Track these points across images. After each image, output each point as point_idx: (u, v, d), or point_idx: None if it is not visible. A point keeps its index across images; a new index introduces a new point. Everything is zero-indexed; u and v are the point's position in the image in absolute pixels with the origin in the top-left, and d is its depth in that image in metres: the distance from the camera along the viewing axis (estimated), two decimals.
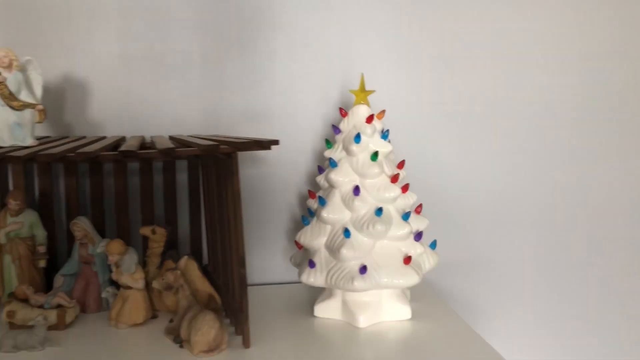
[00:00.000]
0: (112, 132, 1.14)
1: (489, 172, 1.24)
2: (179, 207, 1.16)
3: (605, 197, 1.29)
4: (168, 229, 1.08)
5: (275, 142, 0.84)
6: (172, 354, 0.87)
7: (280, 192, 1.19)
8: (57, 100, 1.11)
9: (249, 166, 1.17)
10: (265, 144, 0.83)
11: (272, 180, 1.19)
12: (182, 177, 1.16)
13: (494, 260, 1.27)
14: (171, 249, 1.11)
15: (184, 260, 0.97)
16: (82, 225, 1.03)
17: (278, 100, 1.17)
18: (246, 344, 0.89)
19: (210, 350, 0.87)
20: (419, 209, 1.03)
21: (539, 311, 1.30)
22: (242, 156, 1.16)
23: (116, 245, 0.97)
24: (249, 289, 1.15)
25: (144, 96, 1.14)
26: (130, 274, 0.98)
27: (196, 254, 1.16)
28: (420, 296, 1.10)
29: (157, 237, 1.07)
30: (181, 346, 0.89)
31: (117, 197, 1.12)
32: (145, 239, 1.07)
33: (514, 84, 1.23)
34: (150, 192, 1.13)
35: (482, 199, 1.25)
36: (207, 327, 0.87)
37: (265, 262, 1.21)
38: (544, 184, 1.27)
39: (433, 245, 1.03)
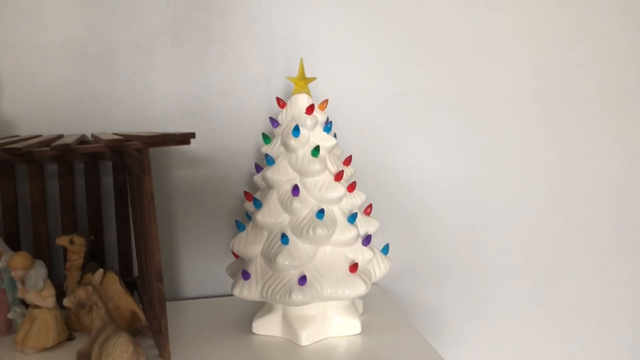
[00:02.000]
0: (26, 130, 1.01)
1: (448, 169, 1.14)
2: (106, 213, 1.04)
3: (578, 196, 1.19)
4: (89, 238, 0.96)
5: (192, 135, 0.73)
6: None
7: (220, 195, 1.07)
8: None
9: (184, 166, 1.06)
10: (179, 138, 0.72)
11: (210, 182, 1.07)
12: (108, 180, 1.04)
13: (456, 265, 1.17)
14: (94, 261, 0.99)
15: (99, 274, 0.84)
16: None
17: (215, 93, 1.05)
18: None
19: None
20: (368, 210, 0.92)
21: (504, 322, 1.20)
22: (176, 155, 1.05)
23: (20, 259, 0.84)
24: (184, 303, 1.05)
25: (62, 90, 1.01)
26: (37, 291, 0.85)
27: (125, 266, 1.04)
28: (375, 307, 0.99)
29: (76, 247, 0.94)
30: None
31: (33, 204, 0.99)
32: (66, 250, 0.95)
33: (479, 74, 1.12)
34: (72, 197, 1.01)
35: (442, 197, 1.14)
36: (119, 351, 0.75)
37: (204, 273, 1.09)
38: (510, 181, 1.16)
39: (385, 250, 0.92)
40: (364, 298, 0.98)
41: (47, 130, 1.01)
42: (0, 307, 0.92)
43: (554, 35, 1.14)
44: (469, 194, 1.15)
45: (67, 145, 0.69)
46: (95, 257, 1.02)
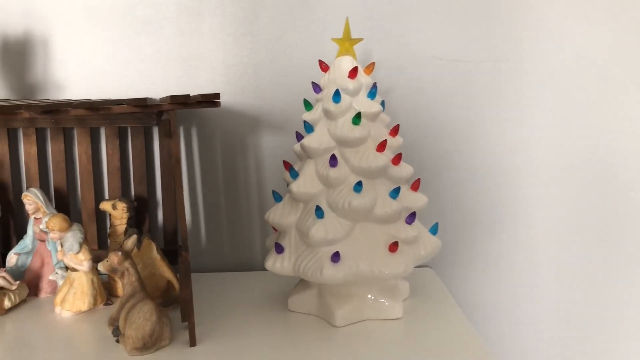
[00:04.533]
0: (77, 94, 1.01)
1: (514, 145, 1.02)
2: (153, 179, 1.03)
3: None
4: (132, 204, 0.95)
5: (216, 96, 0.68)
6: (103, 352, 0.74)
7: (268, 166, 1.03)
8: (17, 58, 0.99)
9: (230, 135, 1.02)
10: (200, 99, 0.68)
11: (258, 153, 1.03)
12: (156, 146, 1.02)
13: (517, 248, 1.06)
14: (138, 227, 0.99)
15: (132, 240, 0.82)
16: (33, 198, 0.91)
17: (264, 58, 1.00)
18: (191, 341, 0.74)
19: (146, 347, 0.72)
20: (415, 185, 0.84)
21: (569, 315, 1.08)
22: (221, 124, 1.02)
23: (57, 221, 0.85)
24: (224, 275, 1.02)
25: (111, 54, 1.00)
26: (74, 254, 0.85)
27: (171, 234, 1.02)
28: (424, 291, 0.92)
29: (118, 213, 0.94)
30: (117, 340, 0.76)
31: (81, 167, 1.00)
32: None
33: (544, 38, 0.99)
34: (117, 161, 1.00)
35: (505, 176, 1.03)
36: (142, 320, 0.73)
37: (249, 245, 1.05)
38: (580, 155, 1.03)
39: (434, 229, 0.84)
40: (412, 281, 0.91)
41: (96, 94, 1.01)
42: (46, 268, 0.93)
43: None
44: (542, 174, 1.03)
45: (90, 103, 0.67)
46: (141, 224, 1.01)
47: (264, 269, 0.81)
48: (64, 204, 1.00)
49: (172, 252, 0.99)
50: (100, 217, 1.01)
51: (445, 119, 1.01)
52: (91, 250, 0.87)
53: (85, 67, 1.00)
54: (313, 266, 0.75)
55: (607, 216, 1.05)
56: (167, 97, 0.69)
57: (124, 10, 0.99)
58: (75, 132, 0.99)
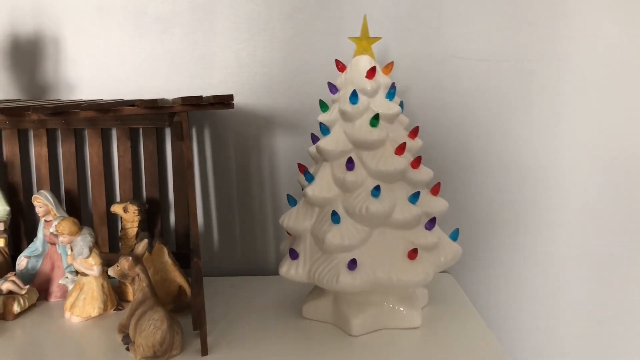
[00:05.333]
0: (88, 94, 0.99)
1: (533, 146, 0.99)
2: (166, 182, 1.01)
3: None
4: (144, 206, 0.93)
5: (229, 98, 0.66)
6: None
7: (282, 169, 1.01)
8: (27, 57, 0.98)
9: (244, 138, 1.00)
10: (213, 100, 0.65)
11: (272, 155, 1.00)
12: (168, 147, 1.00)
13: (540, 253, 1.02)
14: (149, 231, 0.97)
15: (143, 245, 0.80)
16: (43, 200, 0.90)
17: (278, 57, 0.98)
18: (203, 350, 0.72)
19: (156, 356, 0.70)
20: (435, 189, 0.81)
21: (597, 320, 1.04)
22: (235, 126, 0.99)
23: (66, 225, 0.83)
24: (236, 279, 0.99)
25: (123, 52, 0.98)
26: (84, 259, 0.83)
27: (183, 237, 1.00)
28: (443, 298, 0.89)
29: (130, 215, 0.92)
30: (127, 348, 0.73)
31: (92, 169, 0.98)
32: None
33: (566, 36, 0.96)
34: (129, 163, 0.98)
35: (524, 176, 1.00)
36: (152, 328, 0.71)
37: (263, 249, 1.03)
38: (608, 157, 0.99)
39: (454, 235, 0.81)
40: (431, 287, 0.88)
41: (108, 94, 0.99)
42: (56, 271, 0.92)
43: None
44: (567, 177, 1.00)
45: (100, 104, 0.65)
46: (152, 227, 0.99)
47: (278, 273, 0.79)
48: (74, 206, 0.98)
49: (184, 255, 0.97)
50: (112, 219, 0.99)
51: (466, 120, 0.98)
52: (102, 254, 0.85)
53: (97, 66, 0.98)
54: (329, 273, 0.73)
55: (635, 222, 1.01)
56: (178, 98, 0.67)
57: (135, 9, 0.97)
58: (86, 133, 0.98)
